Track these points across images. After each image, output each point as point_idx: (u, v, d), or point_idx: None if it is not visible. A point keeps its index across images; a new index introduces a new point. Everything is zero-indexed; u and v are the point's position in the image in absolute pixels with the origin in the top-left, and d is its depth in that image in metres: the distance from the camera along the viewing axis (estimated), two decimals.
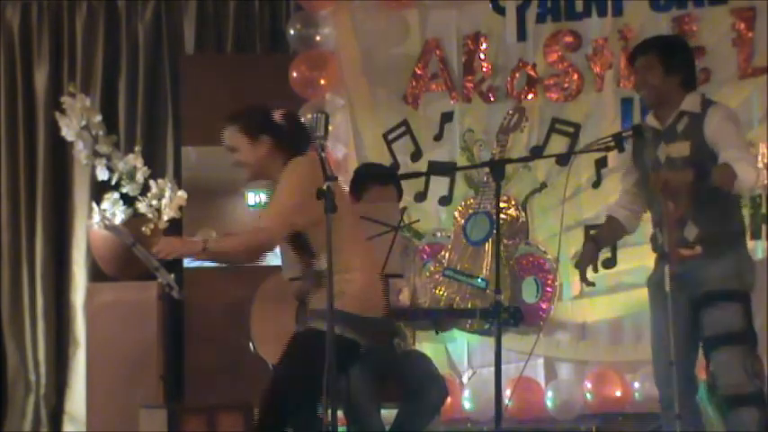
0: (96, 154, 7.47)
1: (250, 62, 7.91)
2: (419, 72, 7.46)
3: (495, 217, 5.83)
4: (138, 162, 7.48)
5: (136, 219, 7.32)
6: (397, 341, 5.88)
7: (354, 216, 5.04)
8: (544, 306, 7.09)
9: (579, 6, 7.30)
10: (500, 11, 7.40)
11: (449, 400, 6.17)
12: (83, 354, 7.80)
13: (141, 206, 7.39)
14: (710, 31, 7.07)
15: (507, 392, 6.34)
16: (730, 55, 7.03)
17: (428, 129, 7.45)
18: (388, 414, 5.76)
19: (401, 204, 6.05)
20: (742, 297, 5.18)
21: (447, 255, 7.19)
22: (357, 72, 7.52)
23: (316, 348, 4.68)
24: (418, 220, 6.93)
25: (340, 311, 4.71)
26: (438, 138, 7.44)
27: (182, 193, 7.43)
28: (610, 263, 7.08)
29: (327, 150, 5.40)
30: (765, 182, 6.92)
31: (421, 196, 7.38)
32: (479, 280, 7.00)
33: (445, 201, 7.38)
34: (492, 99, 7.39)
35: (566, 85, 7.26)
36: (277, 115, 4.99)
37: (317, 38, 7.57)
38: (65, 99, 7.50)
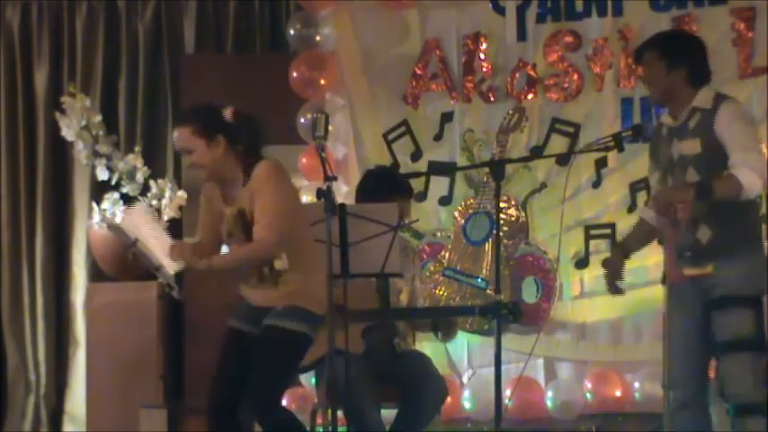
0: (96, 154, 7.48)
1: (250, 62, 7.91)
2: (419, 72, 7.45)
3: (495, 217, 5.83)
4: (138, 162, 7.48)
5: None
6: (397, 341, 5.88)
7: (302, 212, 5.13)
8: (544, 306, 7.09)
9: (579, 6, 7.29)
10: (500, 11, 7.39)
11: (449, 400, 6.17)
12: (83, 354, 7.80)
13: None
14: (710, 31, 7.05)
15: (507, 392, 6.34)
16: (730, 55, 7.02)
17: (428, 129, 7.45)
18: (388, 414, 5.76)
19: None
20: (755, 302, 5.10)
21: (447, 255, 7.19)
22: (357, 72, 7.51)
23: (286, 346, 4.81)
24: (418, 220, 6.93)
25: (305, 309, 4.85)
26: (438, 138, 7.44)
27: (182, 193, 7.43)
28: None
29: (327, 150, 5.40)
30: None
31: (421, 196, 7.37)
32: (479, 280, 7.00)
33: (445, 201, 7.38)
34: (492, 99, 7.39)
35: (566, 85, 7.26)
36: (228, 113, 5.01)
37: (317, 38, 7.57)
38: (65, 99, 7.51)
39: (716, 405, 5.61)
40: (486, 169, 6.89)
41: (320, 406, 5.68)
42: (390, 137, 7.44)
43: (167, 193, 7.42)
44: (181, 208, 7.46)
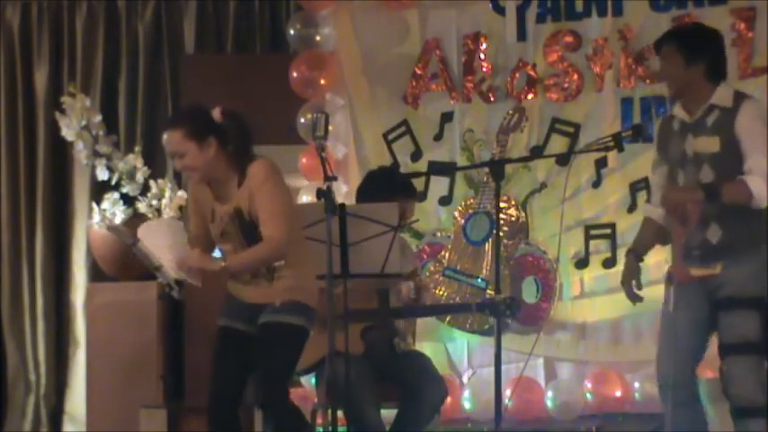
0: (96, 154, 7.47)
1: (250, 62, 7.91)
2: (419, 72, 7.45)
3: (495, 217, 5.84)
4: (138, 162, 7.48)
5: (136, 219, 7.31)
6: (397, 341, 5.88)
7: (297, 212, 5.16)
8: (544, 306, 7.09)
9: (579, 6, 7.29)
10: (500, 11, 7.39)
11: (449, 400, 6.17)
12: (83, 354, 7.80)
13: (141, 206, 7.39)
14: None
15: (507, 392, 6.34)
16: (730, 55, 6.99)
17: (428, 129, 7.45)
18: (388, 414, 5.76)
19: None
20: (760, 304, 5.08)
21: (447, 255, 7.19)
22: (357, 72, 7.51)
23: (289, 340, 4.83)
24: (418, 220, 6.93)
25: (302, 303, 4.89)
26: (438, 138, 7.44)
27: (182, 193, 7.43)
28: (609, 263, 7.08)
29: (327, 150, 5.40)
30: None
31: (421, 196, 7.37)
32: (479, 280, 7.00)
33: (445, 201, 7.38)
34: (492, 99, 7.39)
35: (566, 85, 7.26)
36: (217, 114, 5.02)
37: (317, 38, 7.57)
38: (65, 99, 7.50)
39: (719, 404, 5.60)
40: (486, 169, 6.89)
41: (320, 406, 5.69)
42: (390, 137, 7.44)
43: (167, 193, 7.42)
44: (181, 208, 7.45)
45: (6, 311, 8.01)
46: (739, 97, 5.15)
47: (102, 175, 7.49)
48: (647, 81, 7.13)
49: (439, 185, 7.38)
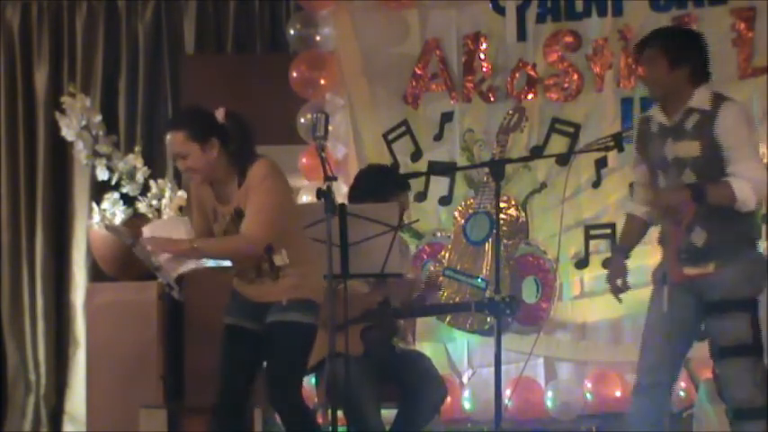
0: (96, 154, 7.47)
1: (250, 62, 7.91)
2: (419, 72, 7.45)
3: (495, 217, 5.84)
4: (138, 162, 7.47)
5: (136, 219, 7.31)
6: (397, 341, 5.88)
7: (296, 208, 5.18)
8: (544, 306, 7.09)
9: (579, 6, 7.29)
10: (500, 11, 7.39)
11: (449, 400, 6.18)
12: (83, 354, 7.80)
13: (141, 206, 7.38)
14: (710, 32, 7.03)
15: (507, 392, 6.34)
16: (730, 55, 7.02)
17: (428, 129, 7.45)
18: (388, 414, 5.76)
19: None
20: (751, 305, 5.07)
21: (447, 255, 7.19)
22: (357, 72, 7.51)
23: (299, 338, 4.84)
24: (418, 220, 6.94)
25: (308, 300, 4.89)
26: (438, 138, 7.44)
27: (182, 193, 7.42)
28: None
29: (327, 150, 5.40)
30: None
31: (421, 196, 7.37)
32: (479, 280, 7.00)
33: (445, 201, 7.38)
34: (492, 99, 7.38)
35: (566, 85, 7.26)
36: (219, 114, 5.02)
37: (317, 38, 7.57)
38: (65, 99, 7.50)
39: (716, 405, 5.61)
40: (486, 169, 6.88)
41: (320, 406, 5.69)
42: (390, 137, 7.44)
43: (167, 193, 7.41)
44: (181, 208, 7.45)
45: (6, 311, 8.02)
46: (718, 100, 5.10)
47: (102, 175, 7.48)
48: None
49: (439, 185, 7.38)
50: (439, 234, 7.33)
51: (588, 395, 7.03)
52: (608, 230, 7.11)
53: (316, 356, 5.38)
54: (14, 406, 7.99)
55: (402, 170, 7.22)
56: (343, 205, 5.35)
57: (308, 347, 5.07)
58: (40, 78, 8.12)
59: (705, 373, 5.55)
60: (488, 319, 6.78)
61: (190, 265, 5.13)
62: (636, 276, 6.59)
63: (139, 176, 7.45)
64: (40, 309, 8.00)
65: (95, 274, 7.83)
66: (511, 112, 7.00)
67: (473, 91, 7.41)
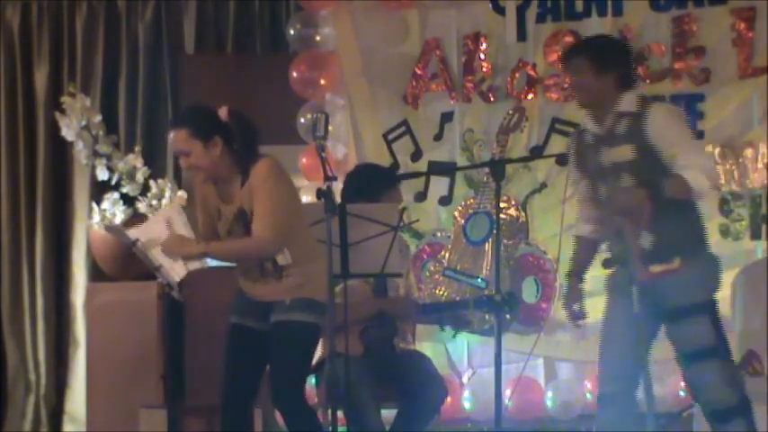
0: (96, 154, 7.47)
1: (250, 62, 7.91)
2: (419, 72, 7.45)
3: (495, 217, 5.84)
4: (138, 162, 7.47)
5: (136, 219, 7.31)
6: (397, 341, 5.88)
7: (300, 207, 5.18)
8: (544, 306, 7.09)
9: (579, 6, 7.29)
10: (500, 11, 7.39)
11: (449, 400, 6.17)
12: (83, 354, 7.80)
13: (141, 206, 7.39)
14: (710, 31, 7.06)
15: (507, 392, 6.34)
16: (730, 55, 7.02)
17: (428, 129, 7.45)
18: (388, 414, 5.76)
19: (401, 204, 6.07)
20: (708, 307, 5.06)
21: (447, 255, 7.18)
22: (357, 72, 7.52)
23: (302, 339, 4.85)
24: (418, 220, 6.94)
25: (312, 300, 4.89)
26: (438, 138, 7.44)
27: (182, 193, 7.43)
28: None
29: (327, 150, 5.40)
30: (765, 182, 6.93)
31: (421, 196, 7.38)
32: (479, 280, 6.99)
33: (445, 201, 7.38)
34: (492, 99, 7.39)
35: (566, 85, 7.25)
36: (223, 113, 5.03)
37: (317, 38, 7.57)
38: (65, 99, 7.50)
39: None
40: (486, 169, 6.88)
41: (320, 406, 5.69)
42: (390, 137, 7.45)
43: (167, 193, 7.42)
44: (181, 208, 7.44)
45: (6, 311, 8.02)
46: (645, 102, 5.11)
47: (102, 175, 7.48)
48: (647, 81, 7.13)
49: (439, 185, 7.38)
50: (439, 234, 7.33)
51: (588, 395, 7.03)
52: None
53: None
54: (14, 406, 7.99)
55: (402, 170, 7.23)
56: (343, 205, 5.35)
57: (311, 348, 5.07)
58: (40, 78, 8.12)
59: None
60: (486, 317, 6.76)
61: (195, 264, 5.13)
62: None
63: (139, 176, 7.45)
64: (40, 309, 8.00)
65: (95, 274, 7.83)
66: (511, 112, 7.00)
67: (473, 91, 7.41)
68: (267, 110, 7.22)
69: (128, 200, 7.44)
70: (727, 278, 6.76)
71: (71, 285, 8.05)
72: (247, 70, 7.71)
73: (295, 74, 7.50)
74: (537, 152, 7.19)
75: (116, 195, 7.44)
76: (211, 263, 5.35)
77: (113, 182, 7.47)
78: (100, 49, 8.11)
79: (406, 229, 6.64)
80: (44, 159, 8.07)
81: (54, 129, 7.70)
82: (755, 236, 6.94)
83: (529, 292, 7.10)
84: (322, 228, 5.01)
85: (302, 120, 7.41)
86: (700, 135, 7.06)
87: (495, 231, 5.95)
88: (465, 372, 7.24)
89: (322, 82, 7.51)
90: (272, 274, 5.03)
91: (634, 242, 5.01)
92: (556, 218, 6.55)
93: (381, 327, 5.79)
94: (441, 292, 7.08)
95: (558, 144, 7.20)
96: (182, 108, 7.67)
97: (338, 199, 5.94)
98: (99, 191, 7.68)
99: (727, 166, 7.00)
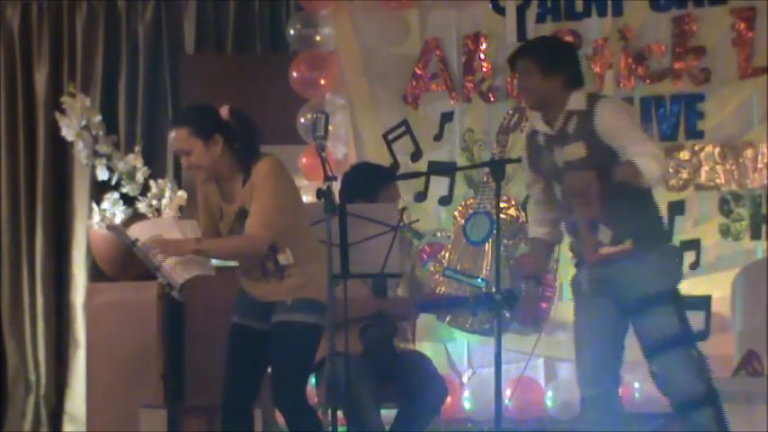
0: (96, 154, 7.47)
1: (250, 62, 7.91)
2: (419, 72, 7.46)
3: (495, 217, 5.83)
4: (138, 162, 7.48)
5: (136, 219, 7.31)
6: (397, 341, 5.88)
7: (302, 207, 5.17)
8: (544, 306, 7.08)
9: (579, 6, 7.29)
10: (500, 11, 7.39)
11: (449, 400, 6.17)
12: (83, 354, 7.81)
13: (141, 206, 7.39)
14: (710, 31, 7.06)
15: (507, 392, 6.34)
16: (730, 55, 7.03)
17: (428, 129, 7.45)
18: (388, 414, 5.76)
19: (401, 204, 6.07)
20: (672, 297, 5.06)
21: (447, 255, 7.18)
22: (357, 72, 7.52)
23: (303, 340, 4.85)
24: (418, 220, 6.93)
25: (313, 300, 4.89)
26: (438, 138, 7.45)
27: (182, 193, 7.43)
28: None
29: (327, 150, 5.40)
30: (765, 182, 6.94)
31: (421, 196, 7.38)
32: (479, 280, 6.99)
33: (445, 201, 7.38)
34: (492, 99, 7.39)
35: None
36: (224, 112, 5.03)
37: (317, 38, 7.57)
38: (65, 99, 7.50)
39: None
40: (486, 169, 6.88)
41: (320, 406, 5.69)
42: (390, 137, 7.45)
43: (167, 193, 7.42)
44: (181, 208, 7.45)
45: (6, 311, 8.02)
46: (593, 99, 5.13)
47: (102, 175, 7.49)
48: (647, 81, 7.14)
49: (439, 185, 7.38)
50: (439, 234, 7.33)
51: None
52: None
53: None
54: (14, 406, 7.99)
55: (402, 170, 7.23)
56: (343, 205, 5.35)
57: (312, 348, 5.06)
58: (40, 78, 8.12)
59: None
60: (488, 319, 6.77)
61: (196, 271, 5.11)
62: None
63: (139, 176, 7.45)
64: (40, 309, 8.00)
65: (95, 274, 7.83)
66: (511, 112, 6.99)
67: (473, 91, 7.41)
68: (267, 110, 7.21)
69: (128, 200, 7.45)
70: (728, 278, 6.81)
71: (71, 285, 8.05)
72: (247, 70, 7.72)
73: (295, 74, 7.51)
74: None
75: (116, 195, 7.44)
76: (215, 264, 5.35)
77: (113, 182, 7.47)
78: (100, 49, 8.12)
79: (406, 229, 6.63)
80: (44, 159, 8.07)
81: (54, 129, 7.71)
82: (755, 236, 6.94)
83: None
84: (322, 228, 5.01)
85: (302, 120, 7.41)
86: (700, 135, 7.09)
87: (495, 231, 5.95)
88: (465, 372, 7.24)
89: (322, 82, 7.51)
90: (274, 274, 5.03)
91: (585, 225, 5.02)
92: None
93: (381, 326, 5.79)
94: (441, 292, 7.08)
95: None
96: (182, 107, 7.68)
97: (338, 199, 5.97)
98: (99, 191, 7.69)
99: (727, 166, 7.01)
